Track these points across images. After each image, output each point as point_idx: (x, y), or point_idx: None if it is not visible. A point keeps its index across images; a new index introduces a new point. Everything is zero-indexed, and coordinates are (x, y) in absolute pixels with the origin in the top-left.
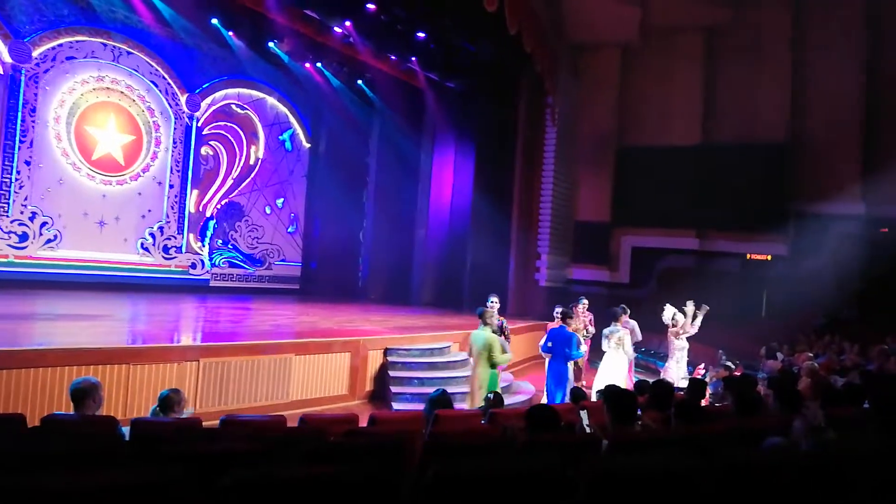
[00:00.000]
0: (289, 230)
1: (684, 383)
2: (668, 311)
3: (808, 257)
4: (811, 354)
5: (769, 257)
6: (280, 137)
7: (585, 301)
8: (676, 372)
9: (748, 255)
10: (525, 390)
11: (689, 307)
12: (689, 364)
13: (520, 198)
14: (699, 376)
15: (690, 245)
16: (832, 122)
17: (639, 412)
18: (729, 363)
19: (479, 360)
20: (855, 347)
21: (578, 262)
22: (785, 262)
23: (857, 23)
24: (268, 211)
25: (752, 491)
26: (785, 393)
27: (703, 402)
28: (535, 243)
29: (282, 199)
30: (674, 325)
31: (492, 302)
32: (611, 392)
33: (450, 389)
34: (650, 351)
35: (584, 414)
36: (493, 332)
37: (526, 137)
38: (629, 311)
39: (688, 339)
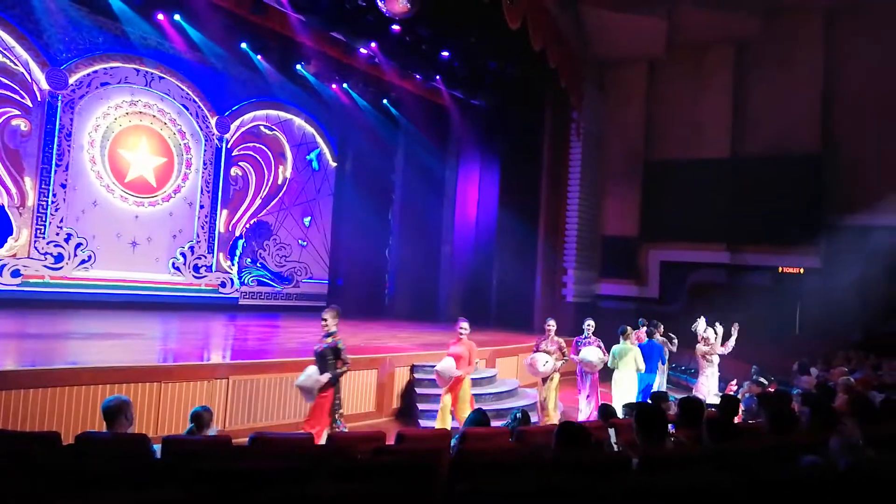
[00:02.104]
0: (300, 243)
1: (716, 400)
2: (702, 324)
3: (843, 270)
4: (846, 370)
5: (802, 270)
6: (307, 157)
7: (591, 323)
8: (708, 388)
9: (780, 269)
10: None
11: (719, 328)
12: (721, 380)
13: (546, 213)
14: (731, 392)
15: (721, 259)
16: (866, 133)
17: (670, 429)
18: (762, 379)
19: (625, 367)
20: (893, 363)
21: (606, 277)
22: (818, 275)
23: (892, 30)
24: (303, 243)
25: None
26: (821, 410)
27: (736, 419)
28: (562, 258)
29: (309, 218)
30: (706, 343)
31: (588, 325)
32: (640, 409)
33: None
34: (681, 367)
35: (612, 431)
36: (632, 344)
37: (551, 152)
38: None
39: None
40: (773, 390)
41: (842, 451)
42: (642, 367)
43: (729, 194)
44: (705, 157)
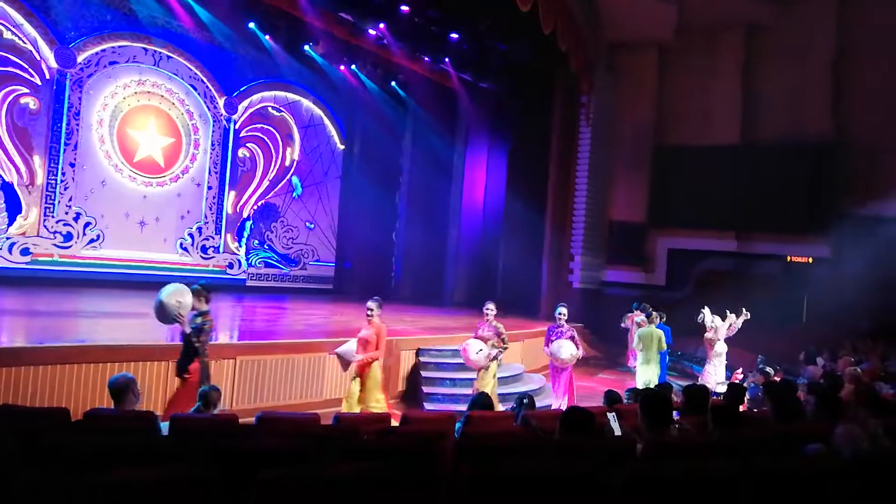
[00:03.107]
0: (308, 225)
1: (722, 388)
2: (707, 315)
3: (852, 260)
4: (852, 360)
5: (811, 260)
6: (291, 181)
7: (563, 310)
8: (714, 377)
9: (789, 258)
10: None
11: (730, 317)
12: (727, 368)
13: (553, 198)
14: (737, 381)
15: (729, 247)
16: (879, 122)
17: (675, 416)
18: (767, 368)
19: (651, 351)
20: None
21: (613, 264)
22: (827, 264)
23: None
24: (310, 226)
25: (791, 498)
26: (827, 399)
27: (742, 408)
28: (569, 244)
29: (316, 200)
30: (714, 332)
31: (559, 313)
32: (645, 395)
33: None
34: (687, 354)
35: (612, 416)
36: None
37: (560, 137)
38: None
39: (726, 342)
40: (778, 379)
41: (851, 440)
42: (664, 346)
43: (738, 182)
44: (715, 143)
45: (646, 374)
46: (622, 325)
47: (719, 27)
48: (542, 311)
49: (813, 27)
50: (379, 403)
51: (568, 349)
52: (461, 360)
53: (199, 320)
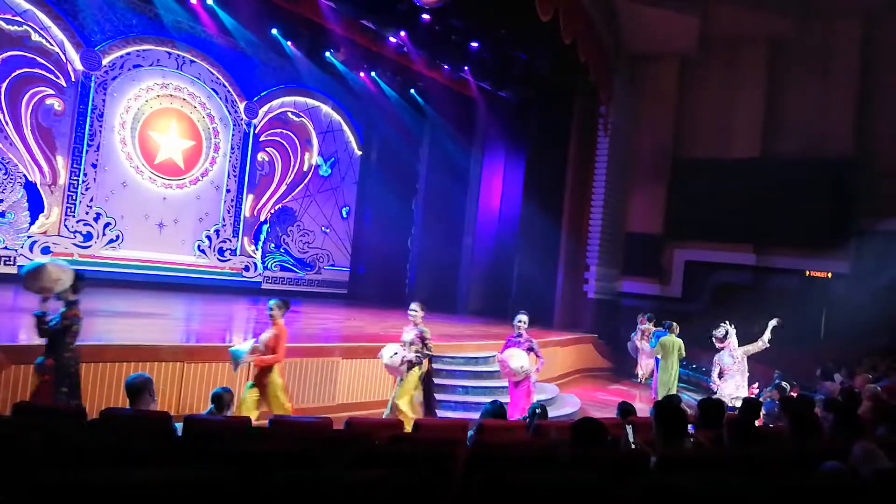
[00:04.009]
0: (323, 230)
1: (737, 403)
2: (722, 329)
3: (872, 276)
4: (870, 377)
5: (830, 275)
6: (317, 163)
7: (522, 318)
8: (729, 390)
9: (807, 272)
10: (571, 402)
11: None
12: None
13: (570, 207)
14: (753, 395)
15: (747, 260)
16: None
17: (690, 429)
18: (784, 384)
19: (672, 357)
20: None
21: (629, 275)
22: (846, 280)
23: None
24: (326, 231)
25: None
26: (846, 416)
27: (757, 423)
28: (585, 254)
29: (347, 209)
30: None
31: (518, 321)
32: (661, 408)
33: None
34: (701, 368)
35: (629, 429)
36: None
37: (578, 147)
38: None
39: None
40: (794, 395)
41: (868, 458)
42: (684, 353)
43: (757, 195)
44: (735, 156)
45: (665, 380)
46: (634, 337)
47: (742, 40)
48: (556, 320)
49: (837, 42)
50: (285, 411)
51: (518, 360)
52: (475, 368)
53: (65, 320)
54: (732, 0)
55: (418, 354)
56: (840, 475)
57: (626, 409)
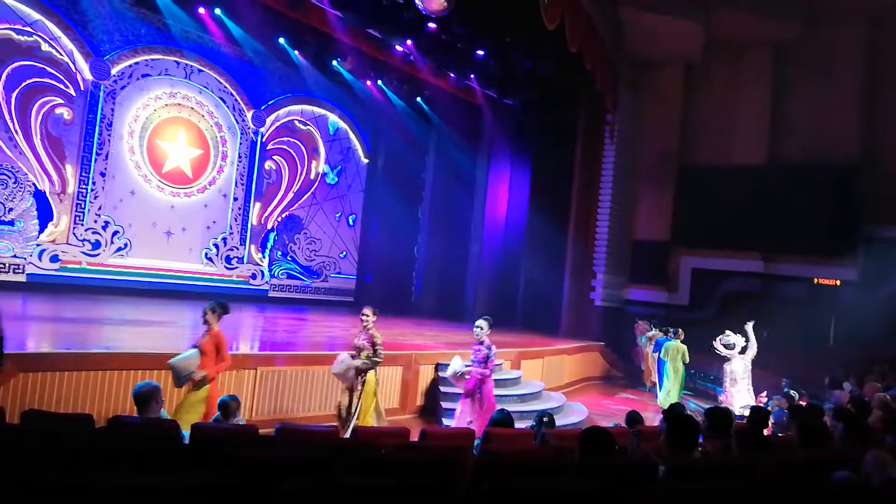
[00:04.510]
0: (341, 255)
1: (745, 411)
2: (731, 338)
3: (880, 283)
4: (879, 385)
5: (838, 282)
6: (323, 171)
7: (481, 323)
8: (737, 399)
9: (816, 280)
10: (578, 411)
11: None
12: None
13: (576, 215)
14: (761, 404)
15: (755, 268)
16: None
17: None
18: (792, 392)
19: (677, 363)
20: None
21: (636, 283)
22: (855, 287)
23: None
24: (343, 255)
25: None
26: (856, 425)
27: (765, 431)
28: (591, 261)
29: (339, 213)
30: (729, 349)
31: (476, 326)
32: (674, 418)
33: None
34: (709, 376)
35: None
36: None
37: (584, 154)
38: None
39: (752, 362)
40: (803, 404)
41: (880, 467)
42: (687, 359)
43: (764, 202)
44: (741, 163)
45: (670, 385)
46: (641, 344)
47: (746, 46)
48: (563, 328)
49: (841, 47)
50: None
51: (453, 366)
52: None
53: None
54: (736, 5)
55: (366, 362)
56: (852, 484)
57: (633, 419)
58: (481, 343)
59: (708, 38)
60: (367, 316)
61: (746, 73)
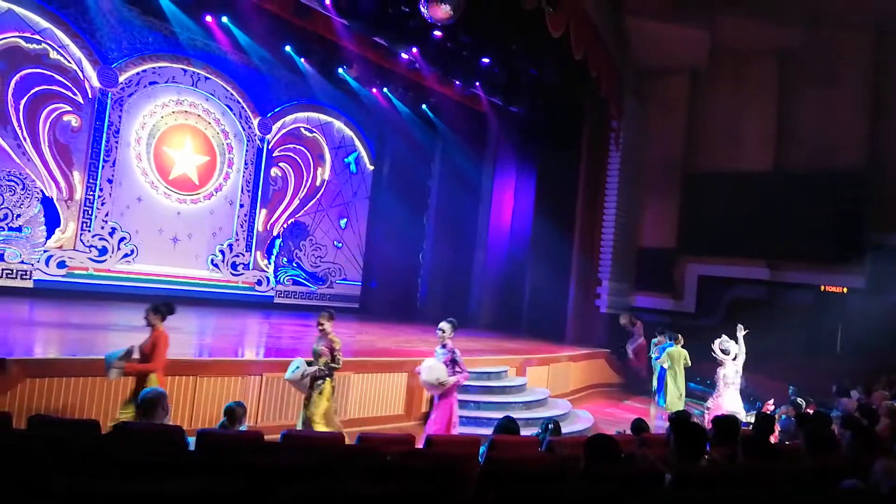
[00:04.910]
0: (335, 244)
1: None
2: (727, 343)
3: (888, 291)
4: (887, 394)
5: (845, 290)
6: (345, 160)
7: (443, 326)
8: (727, 404)
9: (823, 287)
10: (583, 418)
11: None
12: (755, 400)
13: (581, 222)
14: (768, 412)
15: (761, 275)
16: None
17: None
18: (799, 400)
19: (678, 368)
20: None
21: (641, 290)
22: (862, 294)
23: None
24: (338, 245)
25: None
26: (863, 433)
27: (772, 439)
28: (597, 268)
29: (345, 220)
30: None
31: (439, 329)
32: (681, 425)
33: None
34: (707, 381)
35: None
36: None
37: (589, 161)
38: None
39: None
40: (810, 411)
41: (888, 476)
42: (689, 362)
43: (771, 209)
44: (746, 169)
45: (674, 389)
46: (651, 353)
47: (751, 53)
48: (568, 335)
49: (847, 53)
50: None
51: (433, 372)
52: (487, 384)
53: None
54: (741, 12)
55: (321, 368)
56: (860, 492)
57: (639, 426)
58: (444, 346)
59: (713, 45)
60: (324, 322)
61: (751, 80)
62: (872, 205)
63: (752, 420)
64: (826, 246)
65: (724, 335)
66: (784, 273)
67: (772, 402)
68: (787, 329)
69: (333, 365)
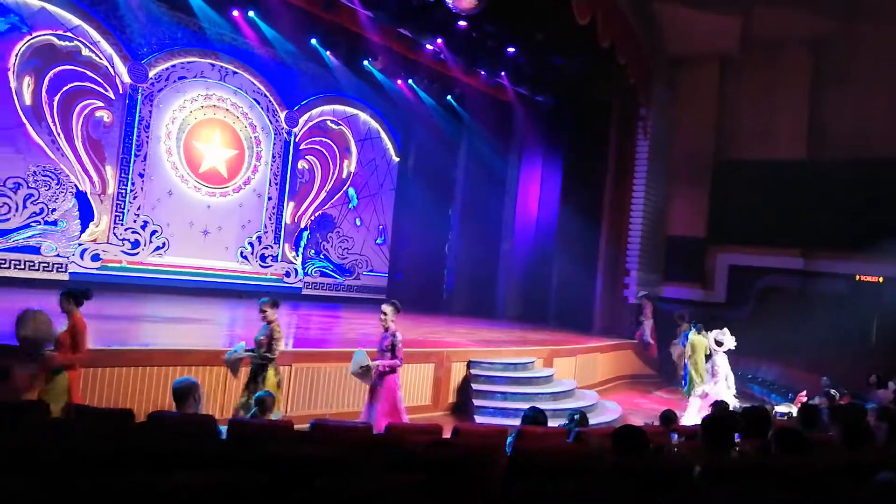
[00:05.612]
0: (377, 241)
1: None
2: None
3: None
4: None
5: (881, 279)
6: (348, 193)
7: (385, 308)
8: (723, 393)
9: (857, 277)
10: (611, 410)
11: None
12: (788, 391)
13: (609, 211)
14: (811, 404)
15: (794, 265)
16: None
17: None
18: (832, 391)
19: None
20: None
21: (670, 280)
22: None
23: None
24: (358, 223)
25: None
26: None
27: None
28: (625, 259)
29: (371, 212)
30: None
31: (383, 314)
32: (710, 417)
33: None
34: (746, 375)
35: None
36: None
37: (617, 150)
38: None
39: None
40: (844, 403)
41: None
42: (709, 352)
43: (804, 197)
44: (779, 158)
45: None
46: (678, 343)
47: (785, 41)
48: (596, 326)
49: (881, 44)
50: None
51: (357, 362)
52: (514, 374)
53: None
54: (776, 1)
55: (253, 356)
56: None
57: (668, 417)
58: (386, 330)
59: (745, 33)
60: (266, 308)
61: (784, 68)
62: None
63: (788, 410)
64: (861, 235)
65: (723, 328)
66: (818, 262)
67: (804, 394)
68: (820, 319)
69: (268, 355)
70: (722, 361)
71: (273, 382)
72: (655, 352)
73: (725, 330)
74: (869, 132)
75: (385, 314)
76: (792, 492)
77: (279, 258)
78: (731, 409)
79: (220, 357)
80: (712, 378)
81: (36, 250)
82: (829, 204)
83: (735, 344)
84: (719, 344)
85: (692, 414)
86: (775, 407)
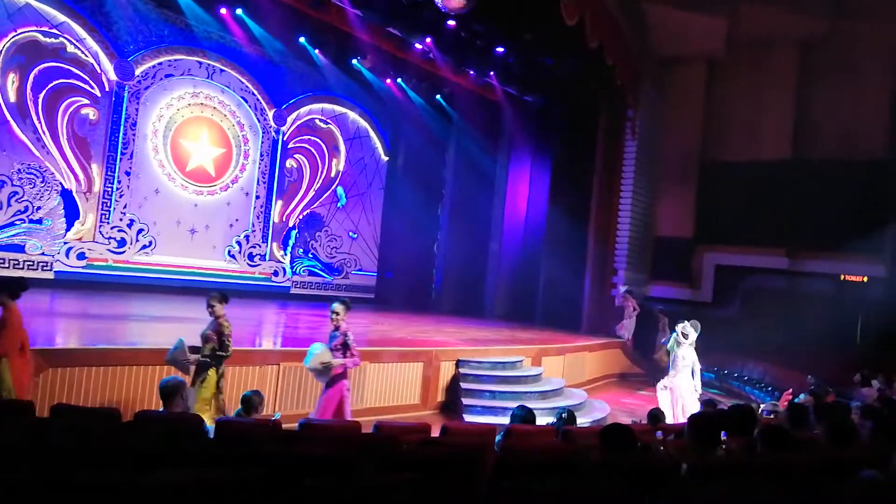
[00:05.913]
0: (351, 235)
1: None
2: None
3: None
4: None
5: (865, 279)
6: (337, 192)
7: (336, 307)
8: (686, 385)
9: (842, 277)
10: (599, 408)
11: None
12: (774, 390)
13: (597, 212)
14: (799, 402)
15: (780, 264)
16: None
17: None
18: (818, 390)
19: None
20: None
21: (658, 280)
22: (883, 284)
23: None
24: (353, 236)
25: None
26: (884, 424)
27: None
28: (612, 258)
29: (360, 211)
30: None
31: (331, 310)
32: (696, 415)
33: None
34: (732, 374)
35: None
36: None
37: (604, 151)
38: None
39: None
40: (829, 401)
41: None
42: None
43: (789, 198)
44: (765, 158)
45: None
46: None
47: (771, 41)
48: (584, 325)
49: (868, 43)
50: None
51: (318, 358)
52: (502, 373)
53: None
54: (761, 0)
55: (204, 358)
56: (879, 483)
57: (656, 416)
58: (337, 329)
59: (731, 34)
60: (214, 304)
61: (771, 68)
62: (893, 194)
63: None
64: (846, 235)
65: (688, 322)
66: (803, 262)
67: (790, 392)
68: (805, 318)
69: (221, 353)
70: (688, 353)
71: (212, 383)
72: (632, 346)
73: (688, 323)
74: (855, 132)
75: (337, 313)
76: (778, 489)
77: (267, 257)
78: (691, 400)
79: None
80: (674, 370)
81: (20, 249)
82: (815, 204)
83: (695, 336)
84: (685, 336)
85: (665, 407)
86: (761, 405)
